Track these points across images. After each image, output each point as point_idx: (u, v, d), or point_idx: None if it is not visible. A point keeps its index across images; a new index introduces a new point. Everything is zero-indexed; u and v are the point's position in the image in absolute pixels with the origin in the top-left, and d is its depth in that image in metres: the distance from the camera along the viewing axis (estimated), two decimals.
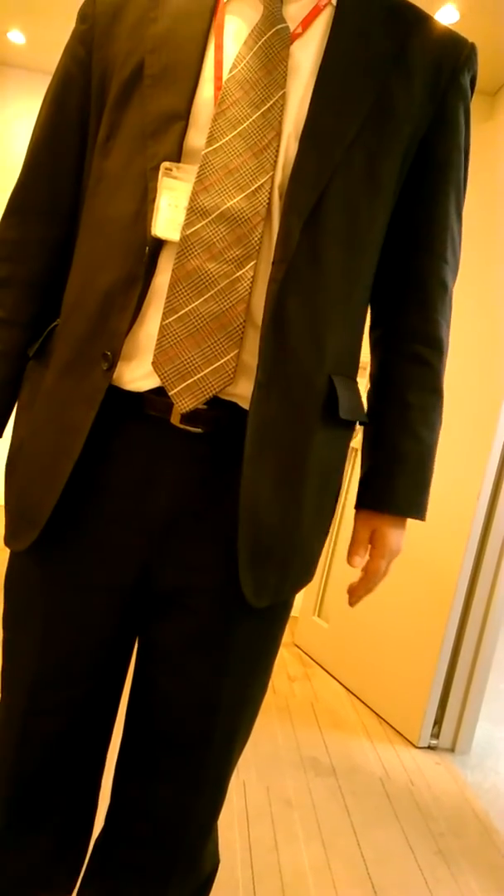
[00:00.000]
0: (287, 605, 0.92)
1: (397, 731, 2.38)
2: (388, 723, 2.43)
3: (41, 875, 0.97)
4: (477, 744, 2.39)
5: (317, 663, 2.80)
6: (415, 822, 1.89)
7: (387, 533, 0.93)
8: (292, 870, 1.61)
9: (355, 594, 0.95)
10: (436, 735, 2.33)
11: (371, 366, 0.96)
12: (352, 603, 0.96)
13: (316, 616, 2.88)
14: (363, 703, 2.54)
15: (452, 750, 2.33)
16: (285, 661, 2.79)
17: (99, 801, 1.01)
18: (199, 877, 0.97)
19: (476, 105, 3.31)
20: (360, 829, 1.82)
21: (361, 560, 0.94)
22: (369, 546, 0.94)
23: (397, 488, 0.92)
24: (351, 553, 0.94)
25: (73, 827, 0.98)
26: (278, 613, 0.90)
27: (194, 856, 0.94)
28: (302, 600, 2.97)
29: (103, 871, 0.98)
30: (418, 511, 0.94)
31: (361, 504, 0.94)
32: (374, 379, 0.96)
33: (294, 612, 2.99)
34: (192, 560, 0.84)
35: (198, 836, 0.93)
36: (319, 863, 1.66)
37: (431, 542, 2.31)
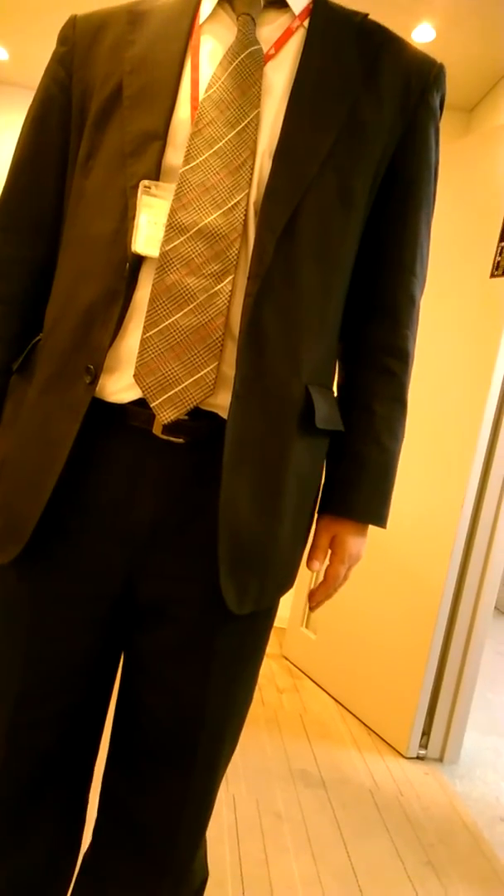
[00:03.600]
0: (270, 613, 0.93)
1: (386, 742, 2.38)
2: (376, 733, 2.43)
3: (30, 892, 0.96)
4: (465, 753, 2.40)
5: (305, 674, 2.80)
6: (404, 833, 1.89)
7: (346, 539, 0.94)
8: (283, 883, 1.61)
9: (315, 599, 0.96)
10: (424, 745, 2.33)
11: (338, 374, 0.98)
12: (311, 608, 0.97)
13: (304, 627, 2.88)
14: (352, 713, 2.55)
15: (441, 760, 2.33)
16: (274, 672, 2.79)
17: (87, 815, 1.01)
18: (189, 890, 0.97)
19: (453, 121, 3.37)
20: (350, 840, 1.82)
21: (320, 565, 0.95)
22: (329, 551, 0.95)
23: (359, 495, 0.93)
24: (310, 557, 0.95)
25: (61, 842, 0.98)
26: (261, 621, 0.91)
27: (183, 868, 0.94)
28: (290, 611, 2.97)
29: (92, 887, 0.97)
30: (379, 518, 0.95)
31: (324, 509, 0.95)
32: (341, 387, 0.97)
33: (282, 623, 2.99)
34: (174, 570, 0.85)
35: (186, 848, 0.93)
36: (310, 875, 1.65)
37: (416, 553, 2.33)
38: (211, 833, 1.60)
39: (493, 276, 2.22)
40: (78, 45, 0.89)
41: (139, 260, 0.81)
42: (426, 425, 2.33)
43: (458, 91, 2.78)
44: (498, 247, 2.21)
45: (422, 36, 2.53)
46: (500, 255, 2.20)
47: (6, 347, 0.93)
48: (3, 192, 0.94)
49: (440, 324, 2.35)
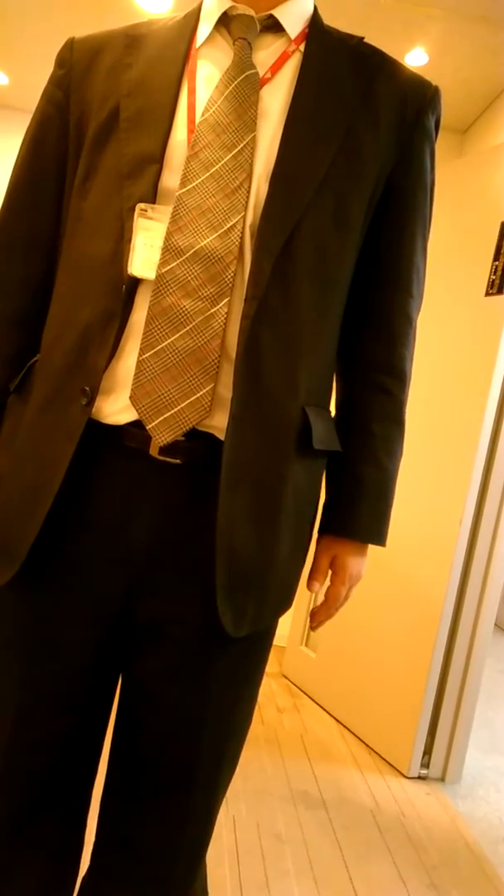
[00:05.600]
0: (268, 634, 0.92)
1: (387, 762, 2.36)
2: (377, 753, 2.41)
3: None
4: (467, 773, 2.38)
5: (305, 694, 2.79)
6: (407, 855, 1.87)
7: (347, 560, 0.94)
8: None
9: (316, 619, 0.96)
10: (426, 765, 2.31)
11: (336, 394, 0.98)
12: (313, 627, 0.97)
13: (303, 646, 2.87)
14: (352, 733, 2.53)
15: (443, 780, 2.31)
16: (273, 692, 2.77)
17: (85, 838, 1.00)
18: None
19: (447, 143, 3.41)
20: (352, 863, 1.80)
21: (320, 586, 0.95)
22: (329, 572, 0.95)
23: (359, 515, 0.93)
24: (310, 578, 0.95)
25: (59, 865, 0.96)
26: (260, 642, 0.90)
27: (181, 891, 0.93)
28: (289, 630, 2.96)
29: None
30: (378, 538, 0.95)
31: (323, 530, 0.95)
32: (339, 407, 0.98)
33: (282, 642, 2.98)
34: (172, 591, 0.84)
35: (186, 871, 0.92)
36: None
37: (416, 572, 2.32)
38: (211, 855, 1.59)
39: (487, 294, 2.24)
40: (75, 68, 0.90)
41: (136, 282, 0.81)
42: (423, 444, 2.33)
43: (451, 113, 2.82)
44: (492, 266, 2.23)
45: (415, 60, 2.57)
46: (495, 273, 2.21)
47: (4, 366, 0.93)
48: (1, 212, 0.94)
49: (436, 342, 2.36)
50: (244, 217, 0.80)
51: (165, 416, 0.79)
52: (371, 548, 0.97)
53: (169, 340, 0.79)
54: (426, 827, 2.02)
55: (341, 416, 0.96)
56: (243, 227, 0.80)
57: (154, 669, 0.87)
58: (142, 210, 0.80)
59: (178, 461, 0.81)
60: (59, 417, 0.82)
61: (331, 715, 2.64)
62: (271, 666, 2.91)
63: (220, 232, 0.79)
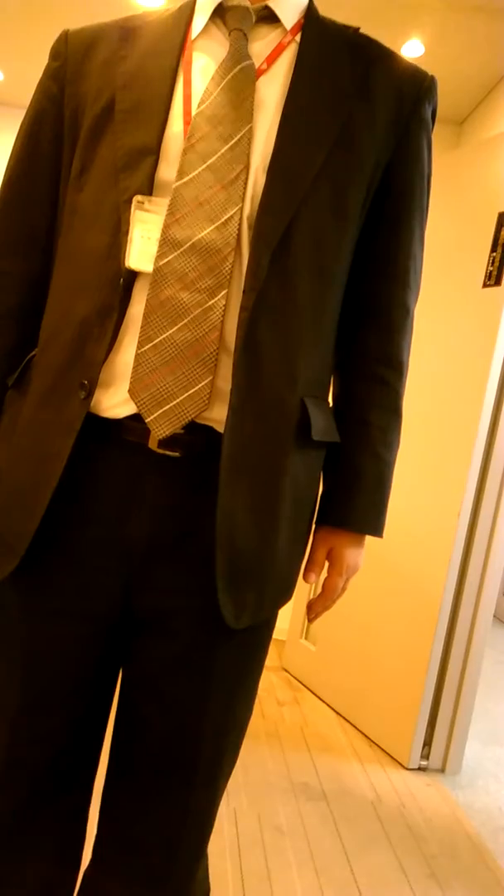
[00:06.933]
0: (268, 626, 0.92)
1: (387, 754, 2.37)
2: (377, 745, 2.42)
3: None
4: (467, 764, 2.39)
5: (305, 687, 2.79)
6: (407, 846, 1.88)
7: (344, 551, 0.94)
8: None
9: (313, 610, 0.96)
10: (426, 756, 2.32)
11: (333, 385, 0.98)
12: (310, 619, 0.97)
13: (303, 639, 2.87)
14: (352, 725, 2.53)
15: (443, 771, 2.32)
16: (274, 685, 2.77)
17: (87, 831, 1.00)
18: None
19: (444, 134, 3.41)
20: (353, 854, 1.80)
21: (316, 577, 0.95)
22: (326, 563, 0.95)
23: (356, 506, 0.93)
24: (307, 570, 0.95)
25: (62, 859, 0.97)
26: (259, 634, 0.91)
27: (184, 885, 0.93)
28: (289, 623, 2.96)
29: None
30: (375, 529, 0.95)
31: (320, 521, 0.95)
32: (336, 398, 0.97)
33: (281, 635, 2.98)
34: (172, 583, 0.84)
35: (187, 864, 0.92)
36: (313, 890, 1.64)
37: (415, 564, 2.32)
38: (212, 848, 1.59)
39: (485, 286, 2.23)
40: (70, 60, 0.90)
41: (133, 275, 0.81)
42: (422, 435, 2.33)
43: (447, 104, 2.81)
44: (490, 257, 2.23)
45: (411, 51, 2.56)
46: (492, 265, 2.21)
47: (2, 361, 0.93)
48: None
49: (434, 334, 2.36)
50: (241, 209, 0.79)
51: (164, 408, 0.79)
52: (370, 540, 0.97)
53: (167, 333, 0.78)
54: (426, 818, 2.03)
55: (338, 407, 0.96)
56: (241, 219, 0.79)
57: (153, 662, 0.87)
58: (139, 202, 0.80)
59: (177, 454, 0.81)
60: (57, 411, 0.82)
61: (331, 707, 2.65)
62: (271, 659, 2.92)
63: (217, 224, 0.79)
